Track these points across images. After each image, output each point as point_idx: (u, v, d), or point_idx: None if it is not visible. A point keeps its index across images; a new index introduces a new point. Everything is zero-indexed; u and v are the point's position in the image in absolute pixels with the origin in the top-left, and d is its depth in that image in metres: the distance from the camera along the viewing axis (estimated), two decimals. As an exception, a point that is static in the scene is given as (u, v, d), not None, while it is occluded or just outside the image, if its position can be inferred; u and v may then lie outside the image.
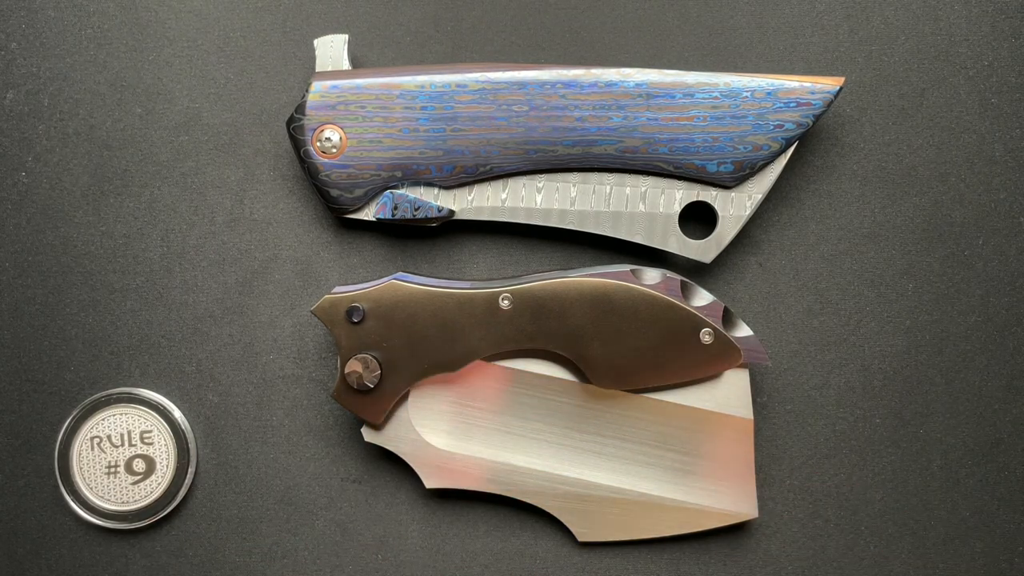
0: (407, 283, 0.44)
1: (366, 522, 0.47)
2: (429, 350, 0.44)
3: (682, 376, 0.44)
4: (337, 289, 0.44)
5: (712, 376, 0.45)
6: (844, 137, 0.47)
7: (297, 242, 0.47)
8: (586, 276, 0.44)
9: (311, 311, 0.46)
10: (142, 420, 0.46)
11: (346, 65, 0.45)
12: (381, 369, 0.44)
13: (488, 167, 0.45)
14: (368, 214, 0.45)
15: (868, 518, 0.47)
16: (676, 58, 0.48)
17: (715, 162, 0.44)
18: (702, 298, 0.44)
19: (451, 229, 0.47)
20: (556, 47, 0.48)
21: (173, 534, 0.47)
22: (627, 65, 0.47)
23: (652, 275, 0.44)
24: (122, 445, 0.46)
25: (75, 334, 0.47)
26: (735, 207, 0.45)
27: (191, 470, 0.47)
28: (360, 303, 0.44)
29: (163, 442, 0.46)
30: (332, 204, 0.45)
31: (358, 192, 0.45)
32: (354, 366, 0.44)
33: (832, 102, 0.44)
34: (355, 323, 0.44)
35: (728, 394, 0.45)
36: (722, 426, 0.45)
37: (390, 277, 0.44)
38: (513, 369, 0.45)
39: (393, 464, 0.47)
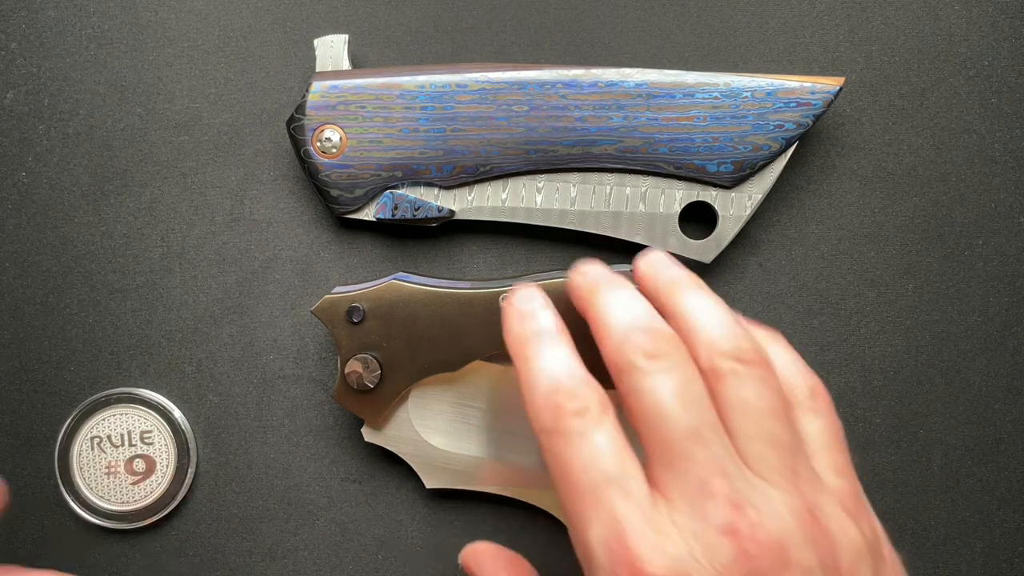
0: (407, 283, 0.44)
1: (366, 522, 0.47)
2: (429, 350, 0.44)
3: (682, 376, 0.44)
4: (337, 289, 0.44)
5: (712, 376, 0.45)
6: (844, 137, 0.47)
7: (297, 242, 0.47)
8: (586, 276, 0.44)
9: (311, 311, 0.46)
10: (142, 420, 0.46)
11: (346, 65, 0.45)
12: (381, 369, 0.44)
13: (488, 167, 0.45)
14: (368, 214, 0.45)
15: (868, 518, 0.47)
16: (676, 58, 0.48)
17: (715, 162, 0.44)
18: (702, 298, 0.44)
19: (451, 229, 0.47)
20: (556, 47, 0.48)
21: (173, 534, 0.47)
22: (627, 65, 0.47)
23: (652, 275, 0.44)
24: (122, 445, 0.46)
25: (75, 334, 0.47)
26: (735, 207, 0.45)
27: (191, 470, 0.47)
28: (360, 303, 0.44)
29: (163, 442, 0.46)
30: (332, 204, 0.45)
31: (358, 192, 0.45)
32: (354, 366, 0.44)
33: (832, 102, 0.44)
34: (355, 323, 0.44)
35: (728, 394, 0.45)
36: (722, 426, 0.45)
37: (390, 277, 0.44)
38: (513, 369, 0.45)
39: (393, 464, 0.47)
